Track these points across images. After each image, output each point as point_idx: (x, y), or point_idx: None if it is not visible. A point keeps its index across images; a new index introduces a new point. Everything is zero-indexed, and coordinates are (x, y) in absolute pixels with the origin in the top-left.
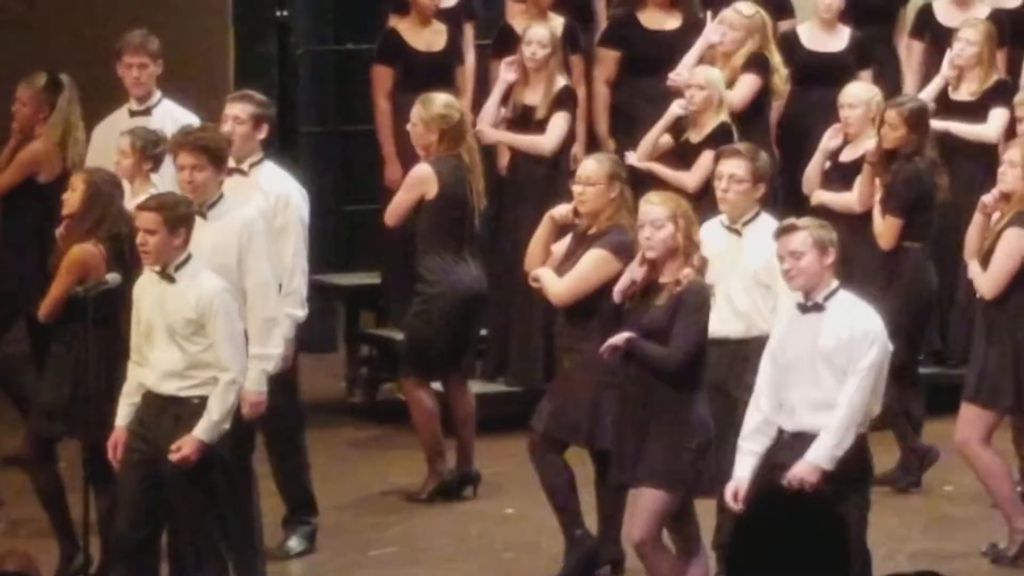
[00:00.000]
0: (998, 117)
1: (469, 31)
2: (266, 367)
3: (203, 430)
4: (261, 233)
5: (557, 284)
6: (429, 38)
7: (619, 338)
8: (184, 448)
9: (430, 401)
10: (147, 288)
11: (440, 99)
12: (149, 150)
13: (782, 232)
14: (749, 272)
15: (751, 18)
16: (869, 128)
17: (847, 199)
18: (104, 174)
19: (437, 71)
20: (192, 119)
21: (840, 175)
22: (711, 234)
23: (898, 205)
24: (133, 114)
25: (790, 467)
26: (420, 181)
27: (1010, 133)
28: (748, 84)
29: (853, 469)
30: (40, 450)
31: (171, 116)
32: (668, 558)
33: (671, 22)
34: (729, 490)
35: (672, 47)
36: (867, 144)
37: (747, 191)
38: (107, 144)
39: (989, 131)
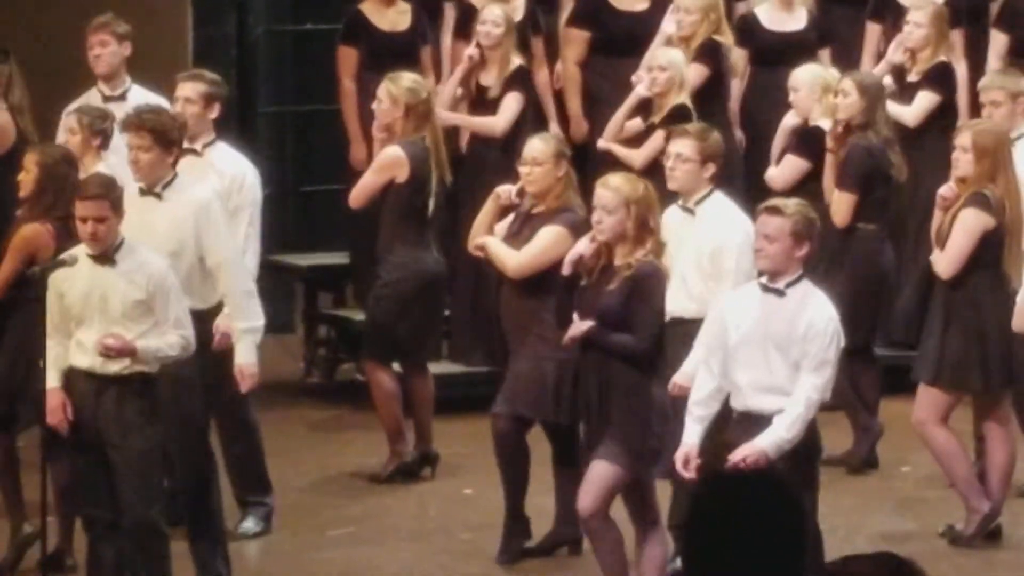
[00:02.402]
0: (921, 100)
1: (449, 12)
2: (256, 339)
3: (142, 346)
4: (218, 211)
5: (513, 257)
6: (393, 18)
7: (580, 328)
8: (116, 342)
9: (391, 383)
10: (76, 270)
11: (408, 76)
12: (96, 125)
13: (765, 211)
14: (701, 252)
15: None
16: (816, 109)
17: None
18: (57, 152)
19: (402, 51)
20: (164, 104)
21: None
22: (671, 216)
23: (850, 181)
24: (107, 99)
25: (738, 447)
26: (392, 164)
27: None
28: (696, 74)
29: (800, 449)
30: None
31: (145, 101)
32: (613, 535)
33: (640, 3)
34: (679, 457)
35: (643, 28)
36: (819, 123)
37: (693, 170)
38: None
39: (905, 113)
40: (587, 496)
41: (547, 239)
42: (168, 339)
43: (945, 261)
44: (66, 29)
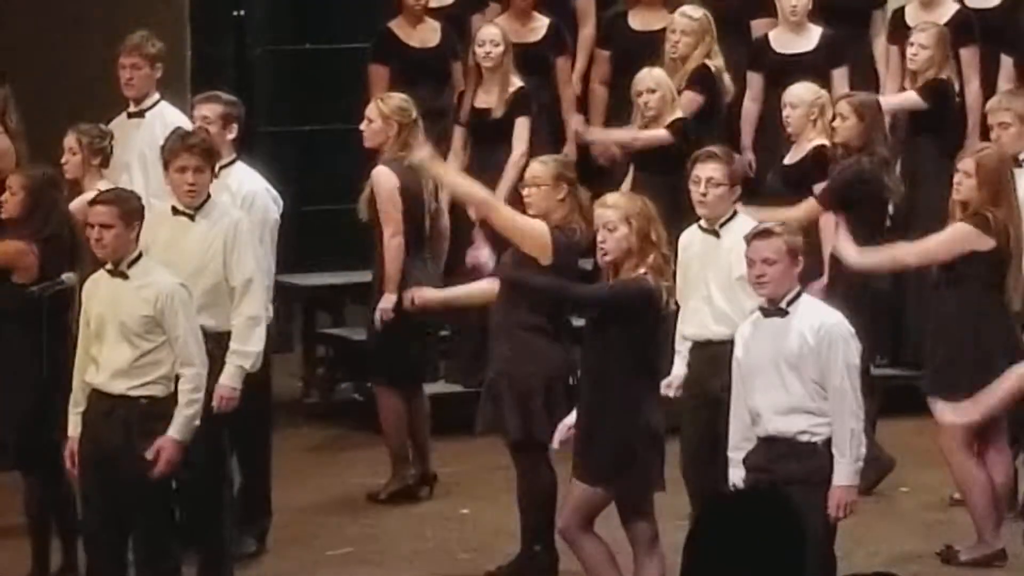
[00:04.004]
0: (907, 96)
1: (478, 26)
2: (243, 364)
3: (177, 428)
4: (246, 232)
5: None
6: (423, 35)
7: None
8: (163, 452)
9: (400, 406)
10: (98, 286)
11: (398, 96)
12: (96, 144)
13: (757, 236)
14: (731, 274)
15: (700, 20)
16: (810, 130)
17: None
18: (43, 175)
19: (432, 68)
20: (184, 121)
21: (784, 179)
22: (691, 239)
23: (830, 198)
24: (130, 116)
25: (762, 470)
26: (387, 180)
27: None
28: (688, 102)
29: (816, 473)
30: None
31: (161, 119)
32: (594, 547)
33: (660, 22)
34: None
35: (655, 48)
36: (808, 146)
37: (724, 194)
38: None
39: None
40: (564, 511)
41: (533, 235)
42: (186, 400)
43: (916, 250)
44: (69, 50)
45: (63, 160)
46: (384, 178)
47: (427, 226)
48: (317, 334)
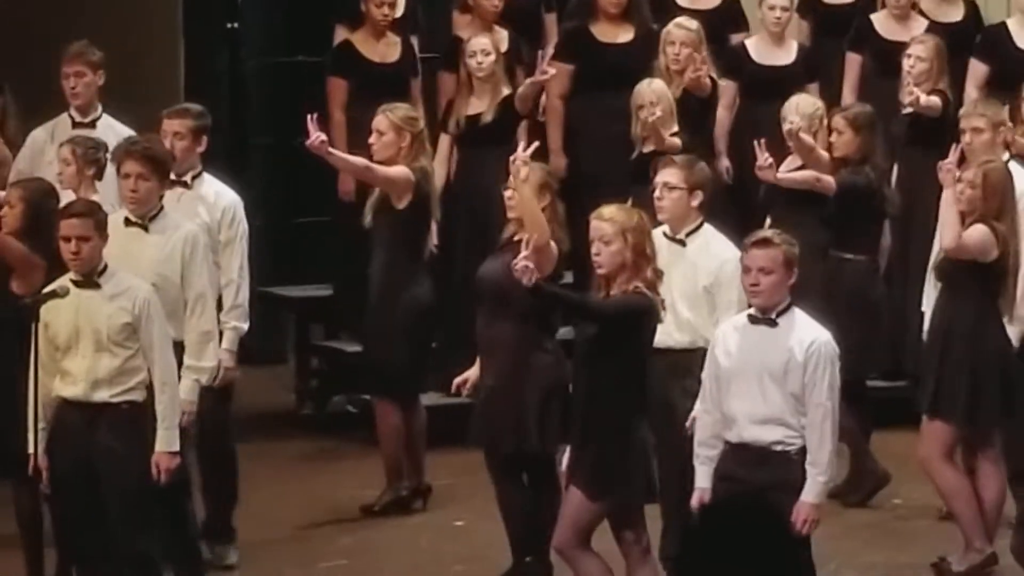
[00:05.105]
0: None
1: (413, 43)
2: (199, 378)
3: (165, 441)
4: (202, 246)
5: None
6: (383, 50)
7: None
8: (160, 466)
9: (397, 419)
10: (59, 300)
11: (402, 106)
12: (90, 156)
13: (755, 245)
14: (696, 285)
15: (697, 31)
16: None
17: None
18: (41, 187)
19: (392, 83)
20: (131, 134)
21: (780, 188)
22: (657, 247)
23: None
24: (76, 125)
25: (738, 479)
26: (402, 177)
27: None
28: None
29: (786, 482)
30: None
31: (113, 131)
32: (592, 564)
33: (623, 35)
34: (695, 501)
35: (628, 60)
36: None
37: (681, 198)
38: (43, 148)
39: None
40: (559, 528)
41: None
42: (167, 413)
43: (949, 235)
44: (52, 59)
45: (58, 172)
46: (400, 173)
47: (430, 244)
48: (310, 346)
